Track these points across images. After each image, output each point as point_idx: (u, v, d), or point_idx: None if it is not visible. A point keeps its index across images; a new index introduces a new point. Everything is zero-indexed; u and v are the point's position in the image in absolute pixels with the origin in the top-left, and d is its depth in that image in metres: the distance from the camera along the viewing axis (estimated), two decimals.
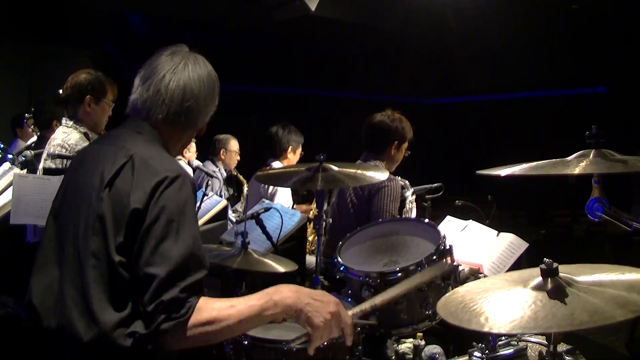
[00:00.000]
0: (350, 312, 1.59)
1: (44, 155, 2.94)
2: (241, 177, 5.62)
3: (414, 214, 3.09)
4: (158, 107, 1.58)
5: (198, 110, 1.63)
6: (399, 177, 3.11)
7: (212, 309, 1.38)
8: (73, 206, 1.47)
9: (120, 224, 1.37)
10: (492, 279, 1.62)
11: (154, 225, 1.36)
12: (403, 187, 3.06)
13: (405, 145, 3.24)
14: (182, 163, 5.62)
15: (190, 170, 5.45)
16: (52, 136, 2.99)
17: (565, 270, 1.39)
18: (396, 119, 3.21)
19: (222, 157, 5.80)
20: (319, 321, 1.47)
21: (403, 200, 3.05)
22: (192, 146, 5.97)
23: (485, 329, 1.28)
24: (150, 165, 1.43)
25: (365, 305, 1.66)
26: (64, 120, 3.01)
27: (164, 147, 1.59)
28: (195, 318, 1.34)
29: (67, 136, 2.89)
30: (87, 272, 1.36)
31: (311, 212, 4.18)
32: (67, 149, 2.80)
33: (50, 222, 1.54)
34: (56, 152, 2.81)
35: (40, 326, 1.41)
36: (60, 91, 3.14)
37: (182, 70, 1.60)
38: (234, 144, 5.84)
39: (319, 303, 1.48)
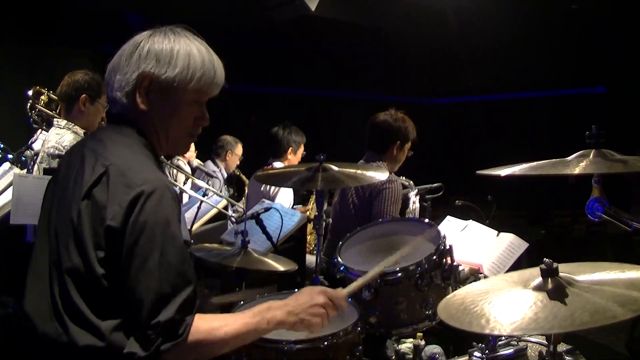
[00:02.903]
0: (344, 291, 1.71)
1: (39, 158, 2.93)
2: (244, 177, 5.63)
3: (417, 215, 3.08)
4: (114, 89, 1.52)
5: None
6: (403, 177, 3.09)
7: (209, 328, 1.40)
8: (59, 213, 1.44)
9: (99, 237, 1.34)
10: (492, 279, 1.62)
11: (137, 243, 1.32)
12: (406, 187, 3.05)
13: (408, 145, 3.22)
14: (182, 163, 5.63)
15: (189, 170, 5.46)
16: (46, 138, 2.98)
17: (565, 270, 1.39)
18: (399, 118, 3.18)
19: (227, 158, 5.81)
20: (316, 321, 1.58)
21: (406, 200, 3.04)
22: (192, 146, 5.98)
23: (486, 332, 1.28)
24: (126, 177, 1.36)
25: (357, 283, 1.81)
26: (55, 121, 2.99)
27: (146, 147, 1.52)
28: (193, 337, 1.36)
29: (60, 137, 2.88)
30: (68, 282, 1.35)
31: (309, 212, 4.18)
32: (61, 151, 2.79)
33: (43, 226, 1.51)
34: (55, 152, 2.81)
35: (35, 332, 1.39)
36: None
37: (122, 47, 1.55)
38: (240, 148, 5.86)
39: (308, 305, 1.58)
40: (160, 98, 1.51)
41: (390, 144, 3.16)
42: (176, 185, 4.62)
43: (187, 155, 5.92)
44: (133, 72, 1.48)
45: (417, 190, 3.06)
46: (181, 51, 1.51)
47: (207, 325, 1.40)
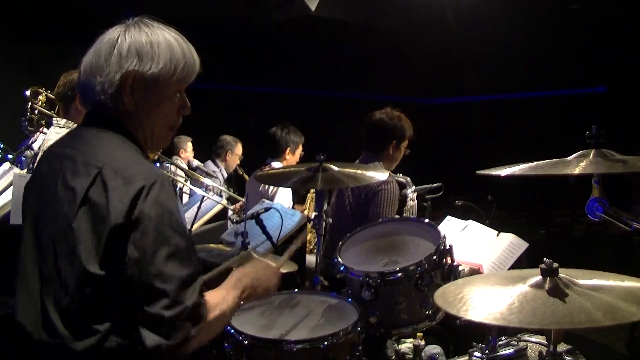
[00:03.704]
0: (279, 264, 1.84)
1: (38, 158, 2.92)
2: (246, 176, 5.64)
3: (415, 212, 3.07)
4: (96, 92, 1.45)
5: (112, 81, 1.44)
6: (401, 174, 3.08)
7: (215, 306, 1.43)
8: (49, 219, 1.40)
9: (101, 239, 1.31)
10: (491, 276, 1.63)
11: (146, 236, 1.30)
12: (404, 186, 3.04)
13: (405, 143, 3.21)
14: (180, 162, 5.64)
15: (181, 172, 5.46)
16: (45, 137, 2.98)
17: (565, 274, 1.40)
18: (395, 117, 3.17)
19: (227, 158, 5.82)
20: (274, 290, 1.72)
21: (404, 198, 3.03)
22: (189, 146, 5.99)
23: (484, 321, 1.28)
24: (122, 173, 1.34)
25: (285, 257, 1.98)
26: (54, 120, 2.99)
27: (133, 141, 1.48)
28: (209, 318, 1.39)
29: (59, 137, 2.88)
30: (67, 290, 1.34)
31: (307, 212, 4.18)
32: None
33: (29, 230, 1.45)
34: None
35: (31, 340, 1.37)
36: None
37: (95, 45, 1.49)
38: (240, 148, 5.87)
39: (267, 276, 1.68)
40: (144, 94, 1.47)
41: (386, 143, 3.15)
42: (178, 183, 4.63)
43: (184, 155, 5.93)
44: (116, 72, 1.44)
45: (414, 187, 3.06)
46: (162, 44, 1.47)
47: (214, 305, 1.43)
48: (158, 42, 1.47)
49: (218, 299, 1.46)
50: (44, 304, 1.36)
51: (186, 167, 5.54)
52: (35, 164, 1.61)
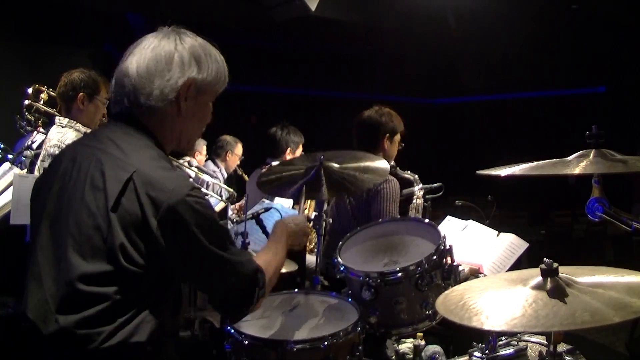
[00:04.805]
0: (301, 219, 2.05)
1: (41, 156, 2.92)
2: (245, 177, 5.64)
3: (420, 210, 3.06)
4: (127, 97, 1.48)
5: (158, 91, 1.46)
6: (408, 171, 3.08)
7: (269, 265, 1.65)
8: (71, 220, 1.39)
9: (135, 244, 1.33)
10: (492, 278, 1.63)
11: (204, 247, 1.39)
12: (411, 183, 3.03)
13: (398, 137, 3.19)
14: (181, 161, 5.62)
15: (189, 171, 5.45)
16: (47, 137, 2.98)
17: (564, 272, 1.40)
18: (384, 113, 3.16)
19: (227, 158, 5.82)
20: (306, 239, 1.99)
21: (410, 196, 3.03)
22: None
23: (486, 327, 1.28)
24: (157, 183, 1.35)
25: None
26: (57, 120, 3.00)
27: (158, 146, 1.49)
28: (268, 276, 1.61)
29: (62, 136, 2.88)
30: (88, 287, 1.34)
31: (306, 211, 4.18)
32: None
33: (45, 227, 1.44)
34: (57, 152, 2.80)
35: (40, 335, 1.37)
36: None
37: (144, 50, 1.48)
38: (240, 148, 5.86)
39: (300, 229, 1.96)
40: (194, 101, 1.52)
41: (380, 138, 3.13)
42: None
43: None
44: (179, 78, 1.47)
45: (421, 185, 3.05)
46: (212, 54, 1.54)
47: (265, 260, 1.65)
48: (209, 52, 1.54)
49: (269, 257, 1.69)
50: (60, 303, 1.36)
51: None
52: (51, 161, 1.62)
